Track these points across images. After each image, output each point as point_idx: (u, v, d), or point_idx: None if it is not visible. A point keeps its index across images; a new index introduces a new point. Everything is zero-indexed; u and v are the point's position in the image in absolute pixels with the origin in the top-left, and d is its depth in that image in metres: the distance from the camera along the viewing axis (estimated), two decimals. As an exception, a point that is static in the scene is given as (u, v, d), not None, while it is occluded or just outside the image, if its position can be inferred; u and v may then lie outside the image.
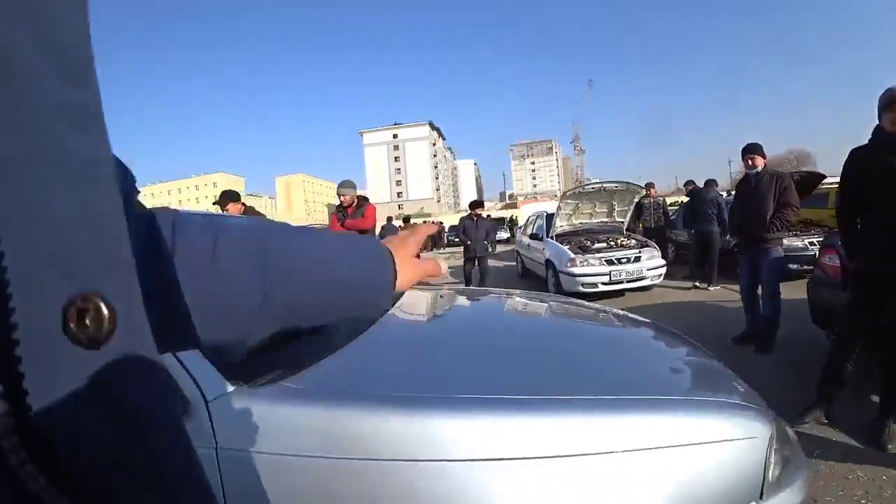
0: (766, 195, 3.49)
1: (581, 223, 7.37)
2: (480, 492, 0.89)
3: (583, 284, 5.81)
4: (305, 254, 0.41)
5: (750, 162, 3.62)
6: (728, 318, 4.32)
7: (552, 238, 6.93)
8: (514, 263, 9.92)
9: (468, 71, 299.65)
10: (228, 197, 3.68)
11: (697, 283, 6.33)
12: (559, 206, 7.00)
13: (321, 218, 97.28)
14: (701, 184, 6.89)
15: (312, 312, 0.42)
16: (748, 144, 3.66)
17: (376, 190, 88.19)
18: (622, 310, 2.40)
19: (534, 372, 1.27)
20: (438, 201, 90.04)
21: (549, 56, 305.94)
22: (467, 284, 6.99)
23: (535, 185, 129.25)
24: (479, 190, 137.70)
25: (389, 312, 1.68)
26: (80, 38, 0.22)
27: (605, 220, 7.42)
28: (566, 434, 0.95)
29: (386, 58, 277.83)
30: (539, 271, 7.47)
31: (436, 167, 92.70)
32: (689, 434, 0.98)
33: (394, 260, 0.46)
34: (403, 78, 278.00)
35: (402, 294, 1.77)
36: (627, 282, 5.86)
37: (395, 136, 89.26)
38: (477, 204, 7.24)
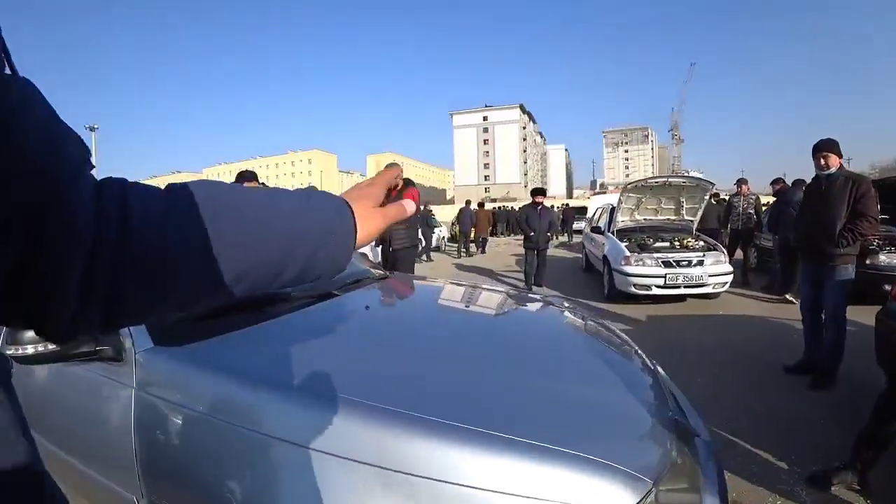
0: (837, 201, 2.93)
1: (645, 219, 6.82)
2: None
3: (635, 286, 5.39)
4: (259, 210, 0.39)
5: (822, 161, 3.04)
6: (794, 341, 3.76)
7: (612, 233, 6.52)
8: (581, 256, 9.46)
9: (563, 53, 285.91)
10: (244, 177, 3.80)
11: (789, 297, 5.49)
12: (620, 199, 6.52)
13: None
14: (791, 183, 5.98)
15: (268, 271, 0.40)
16: (821, 141, 3.07)
17: (464, 172, 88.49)
18: (604, 320, 2.19)
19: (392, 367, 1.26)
20: (526, 186, 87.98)
21: (650, 37, 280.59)
22: (527, 276, 6.85)
23: (627, 175, 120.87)
24: (569, 177, 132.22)
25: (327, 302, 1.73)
26: None
27: (673, 217, 6.77)
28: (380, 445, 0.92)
29: (480, 40, 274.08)
30: (599, 267, 7.08)
31: (525, 151, 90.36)
32: (510, 484, 0.88)
33: (353, 212, 0.45)
34: (497, 60, 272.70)
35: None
36: (685, 287, 5.32)
37: (485, 118, 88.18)
38: (539, 192, 6.92)
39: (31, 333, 1.24)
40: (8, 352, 1.28)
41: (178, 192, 0.37)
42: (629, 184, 6.55)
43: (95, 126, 23.38)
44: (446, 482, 0.87)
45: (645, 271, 5.38)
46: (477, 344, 1.58)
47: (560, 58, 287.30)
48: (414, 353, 1.41)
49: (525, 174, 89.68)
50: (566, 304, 2.34)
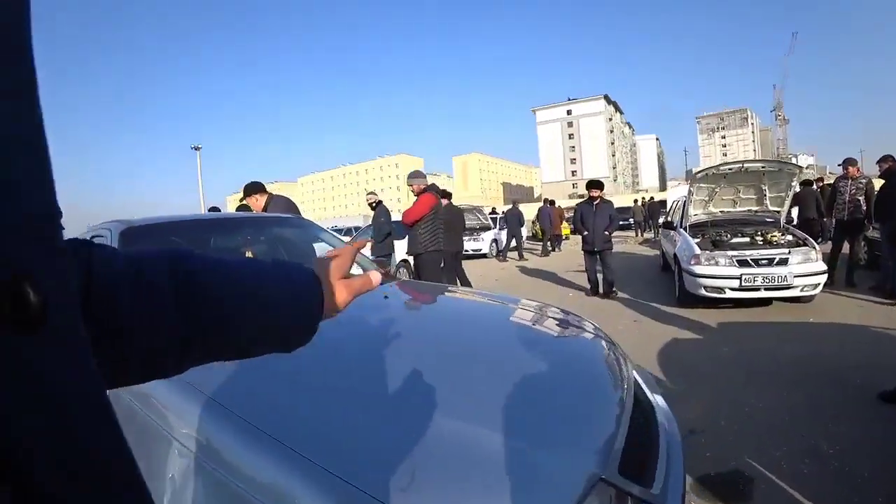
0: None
1: (722, 212, 6.07)
2: None
3: (706, 288, 4.82)
4: (231, 283, 0.41)
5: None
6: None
7: (685, 228, 5.91)
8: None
9: (649, 36, 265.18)
10: (253, 189, 3.87)
11: None
12: (690, 189, 5.86)
13: (496, 197, 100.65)
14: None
15: (237, 344, 0.42)
16: None
17: (550, 169, 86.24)
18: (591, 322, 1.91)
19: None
20: (615, 180, 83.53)
21: (743, 7, 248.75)
22: (592, 283, 6.38)
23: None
24: (661, 168, 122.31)
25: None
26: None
27: (755, 208, 5.94)
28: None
29: (561, 30, 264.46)
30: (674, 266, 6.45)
31: (612, 144, 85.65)
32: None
33: (321, 285, 0.46)
34: (578, 51, 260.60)
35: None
36: (766, 289, 4.63)
37: (568, 111, 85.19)
38: (594, 184, 6.27)
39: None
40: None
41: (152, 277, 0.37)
42: (698, 172, 5.85)
43: (199, 146, 26.32)
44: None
45: (717, 271, 4.77)
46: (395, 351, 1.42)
47: (646, 41, 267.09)
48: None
49: (613, 167, 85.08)
50: (552, 312, 2.01)
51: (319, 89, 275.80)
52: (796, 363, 3.29)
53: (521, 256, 12.59)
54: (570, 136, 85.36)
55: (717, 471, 2.09)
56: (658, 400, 1.56)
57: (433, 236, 4.23)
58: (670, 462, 1.23)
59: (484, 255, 13.43)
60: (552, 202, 15.04)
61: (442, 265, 4.59)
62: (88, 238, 1.25)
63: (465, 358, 1.39)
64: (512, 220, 12.82)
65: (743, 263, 4.73)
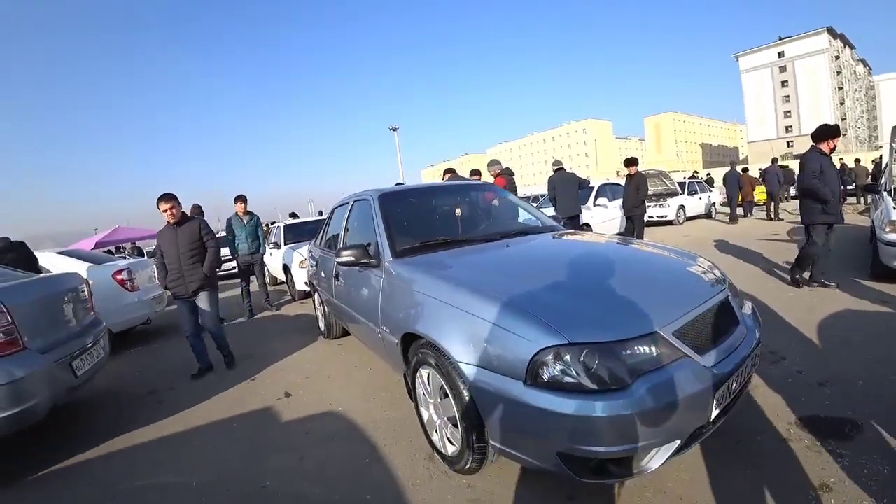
0: None
1: None
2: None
3: (899, 259, 4.34)
4: None
5: None
6: None
7: (889, 192, 5.19)
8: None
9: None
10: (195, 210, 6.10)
11: None
12: (891, 146, 5.05)
13: (693, 160, 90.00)
14: None
15: None
16: None
17: (758, 125, 72.00)
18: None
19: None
20: (844, 134, 66.20)
21: None
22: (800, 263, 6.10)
23: None
24: None
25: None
26: None
27: None
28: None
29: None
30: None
31: (840, 89, 66.96)
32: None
33: None
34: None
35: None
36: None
37: (780, 54, 68.92)
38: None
39: (347, 252, 2.70)
40: (337, 259, 2.78)
41: None
42: None
43: (396, 126, 29.78)
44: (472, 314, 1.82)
45: (917, 242, 4.25)
46: (544, 265, 2.41)
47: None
48: (502, 266, 2.38)
49: (842, 118, 67.27)
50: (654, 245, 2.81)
51: (503, 59, 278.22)
52: None
53: (731, 219, 12.50)
54: (784, 84, 69.57)
55: (829, 415, 2.33)
56: (746, 312, 2.16)
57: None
58: (735, 352, 1.82)
59: (670, 222, 13.05)
60: (746, 169, 13.58)
61: None
62: (353, 201, 2.83)
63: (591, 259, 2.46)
64: (731, 182, 12.65)
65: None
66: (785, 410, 2.42)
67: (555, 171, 7.46)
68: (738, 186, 12.66)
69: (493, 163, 6.51)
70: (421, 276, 2.30)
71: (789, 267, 5.11)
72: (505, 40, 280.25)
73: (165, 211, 3.94)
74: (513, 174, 6.66)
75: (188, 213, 4.23)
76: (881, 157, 17.83)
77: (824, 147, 4.50)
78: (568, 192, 7.26)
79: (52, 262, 5.75)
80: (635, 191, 7.41)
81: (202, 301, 4.12)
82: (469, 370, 1.76)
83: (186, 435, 3.02)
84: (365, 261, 2.70)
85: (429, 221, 3.32)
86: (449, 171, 6.33)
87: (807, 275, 4.89)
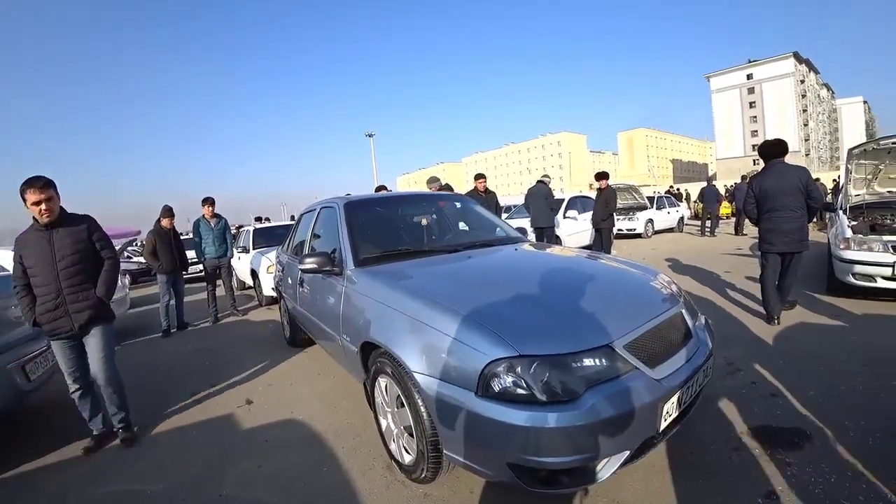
0: None
1: (889, 192, 5.37)
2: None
3: (854, 275, 4.53)
4: None
5: None
6: None
7: (844, 210, 5.44)
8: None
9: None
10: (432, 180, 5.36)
11: None
12: (846, 167, 5.31)
13: (665, 175, 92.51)
14: None
15: None
16: None
17: (726, 143, 74.87)
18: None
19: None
20: (807, 154, 69.35)
21: None
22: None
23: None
24: (871, 137, 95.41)
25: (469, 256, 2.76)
26: None
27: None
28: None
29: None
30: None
31: (804, 111, 70.45)
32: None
33: None
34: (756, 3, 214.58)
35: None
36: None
37: (749, 76, 72.05)
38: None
39: (310, 258, 2.64)
40: (300, 266, 2.73)
41: None
42: (855, 147, 5.23)
43: (373, 132, 29.77)
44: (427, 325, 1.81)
45: (868, 257, 4.43)
46: (503, 277, 2.41)
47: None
48: (462, 277, 2.38)
49: (805, 139, 70.45)
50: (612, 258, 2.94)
51: (482, 70, 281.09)
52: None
53: (712, 233, 12.94)
54: (752, 105, 72.62)
55: (780, 424, 2.39)
56: (700, 325, 2.21)
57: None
58: (686, 364, 1.85)
59: (638, 235, 13.37)
60: (745, 177, 13.97)
61: None
62: (320, 208, 2.79)
63: (550, 271, 2.48)
64: (710, 197, 13.09)
65: (898, 251, 4.33)
66: (738, 420, 2.49)
67: (536, 182, 7.85)
68: (716, 201, 13.11)
69: (433, 179, 6.71)
70: (380, 286, 2.28)
71: (749, 278, 5.26)
72: (483, 51, 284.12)
73: (37, 205, 2.54)
74: (451, 190, 6.91)
75: (72, 213, 2.81)
76: (839, 177, 18.90)
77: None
78: (538, 204, 7.52)
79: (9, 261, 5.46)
80: (604, 205, 7.65)
81: (94, 340, 2.80)
82: (423, 380, 1.75)
83: (143, 442, 2.91)
84: (328, 268, 2.66)
85: (393, 231, 3.31)
86: (433, 179, 6.69)
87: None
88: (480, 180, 7.10)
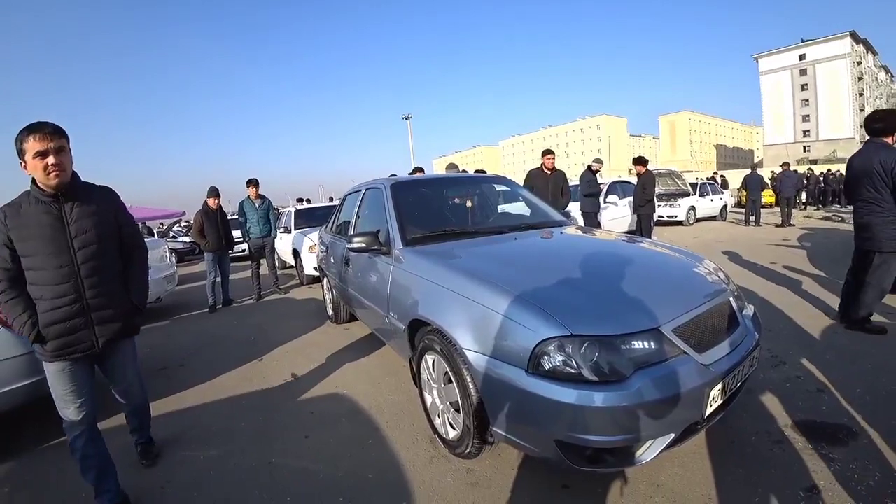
0: None
1: None
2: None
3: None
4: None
5: None
6: None
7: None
8: None
9: None
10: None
11: None
12: None
13: (708, 161, 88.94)
14: None
15: None
16: None
17: (775, 128, 70.54)
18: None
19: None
20: (862, 142, 64.68)
21: None
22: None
23: None
24: None
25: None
26: None
27: None
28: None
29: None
30: None
31: (861, 95, 65.30)
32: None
33: None
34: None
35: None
36: None
37: (801, 56, 67.30)
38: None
39: (358, 238, 2.74)
40: (348, 245, 2.84)
41: None
42: None
43: (409, 115, 29.80)
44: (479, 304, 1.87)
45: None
46: (550, 259, 2.47)
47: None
48: (511, 258, 2.42)
49: (861, 126, 65.55)
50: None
51: (521, 52, 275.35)
52: None
53: (756, 223, 12.52)
54: (803, 87, 68.08)
55: (824, 420, 2.36)
56: (747, 314, 2.21)
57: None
58: (734, 352, 1.86)
59: (680, 223, 13.03)
60: (786, 164, 13.35)
61: None
62: (365, 189, 3.75)
63: (597, 254, 2.53)
64: (754, 185, 12.63)
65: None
66: (781, 413, 2.46)
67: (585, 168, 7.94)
68: (760, 189, 12.63)
69: (451, 166, 6.93)
70: (430, 265, 2.36)
71: (794, 269, 5.04)
72: (522, 31, 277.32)
73: (42, 157, 1.77)
74: (485, 174, 7.27)
75: (87, 181, 2.01)
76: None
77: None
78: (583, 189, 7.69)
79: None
80: (641, 190, 7.59)
81: (122, 358, 2.14)
82: (474, 357, 1.83)
83: (194, 411, 3.12)
84: (375, 247, 2.76)
85: (438, 212, 3.37)
86: (452, 165, 6.94)
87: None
88: (548, 156, 6.24)
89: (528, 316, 1.68)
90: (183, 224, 19.86)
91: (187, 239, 15.32)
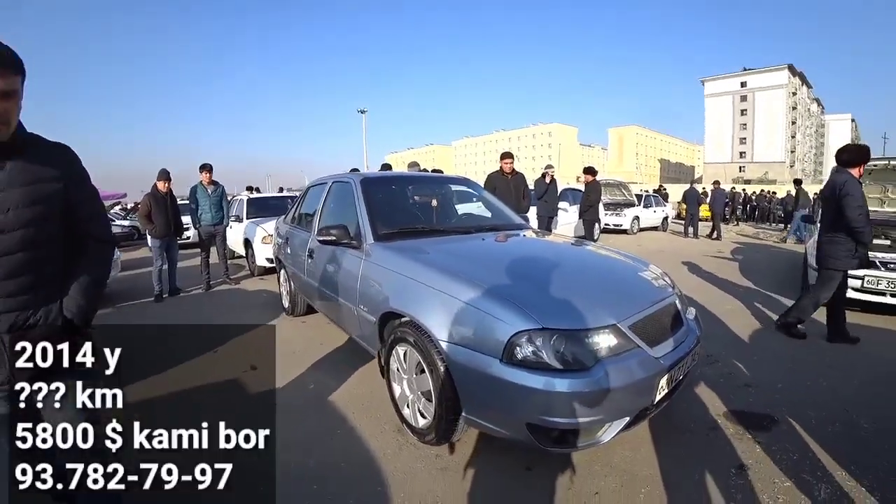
0: None
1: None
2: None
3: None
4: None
5: None
6: None
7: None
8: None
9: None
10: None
11: None
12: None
13: (652, 174, 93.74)
14: None
15: None
16: None
17: (715, 148, 75.73)
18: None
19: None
20: (792, 166, 71.00)
21: None
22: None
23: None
24: None
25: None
26: None
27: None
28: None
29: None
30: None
31: (793, 123, 72.01)
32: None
33: None
34: (757, 8, 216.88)
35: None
36: (892, 295, 4.53)
37: (743, 84, 73.05)
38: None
39: (328, 231, 2.76)
40: (318, 237, 2.85)
41: None
42: None
43: (365, 109, 29.51)
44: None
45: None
46: (517, 259, 2.59)
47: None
48: (481, 257, 2.57)
49: (791, 151, 72.08)
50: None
51: (474, 54, 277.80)
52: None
53: (695, 235, 13.44)
54: (743, 112, 73.55)
55: (751, 410, 2.67)
56: (689, 315, 2.44)
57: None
58: (679, 347, 2.09)
59: (624, 231, 13.77)
60: (717, 182, 14.37)
61: None
62: (332, 182, 3.76)
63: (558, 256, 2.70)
64: (691, 199, 13.61)
65: (870, 265, 4.66)
66: (715, 403, 2.75)
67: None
68: (697, 203, 13.61)
69: (413, 164, 7.23)
70: (403, 261, 2.44)
71: (728, 281, 5.54)
72: (476, 35, 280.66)
73: None
74: (443, 174, 7.47)
75: (35, 134, 1.30)
76: (820, 191, 19.71)
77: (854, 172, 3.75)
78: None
79: None
80: (586, 196, 8.18)
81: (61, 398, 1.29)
82: (449, 348, 1.93)
83: (141, 406, 3.00)
84: (346, 241, 2.79)
85: (407, 209, 3.45)
86: (413, 164, 7.06)
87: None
88: (507, 160, 6.05)
89: (503, 310, 1.81)
90: (120, 208, 18.65)
91: (126, 223, 14.42)
